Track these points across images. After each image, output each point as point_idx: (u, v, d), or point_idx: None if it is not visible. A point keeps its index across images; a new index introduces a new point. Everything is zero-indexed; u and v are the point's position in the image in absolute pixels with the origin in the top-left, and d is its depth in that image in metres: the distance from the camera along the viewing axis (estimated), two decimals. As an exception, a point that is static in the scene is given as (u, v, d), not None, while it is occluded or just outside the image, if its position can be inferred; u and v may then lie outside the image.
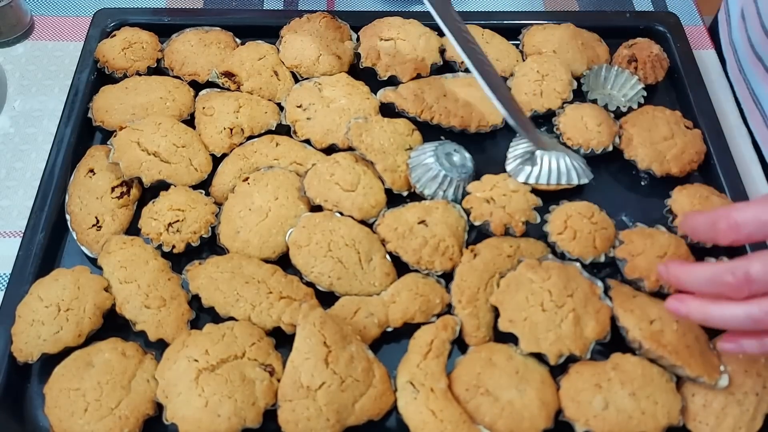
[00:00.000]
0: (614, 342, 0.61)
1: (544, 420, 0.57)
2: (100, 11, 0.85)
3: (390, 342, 0.63)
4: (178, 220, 0.66)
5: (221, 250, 0.67)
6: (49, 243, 0.67)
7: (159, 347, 0.60)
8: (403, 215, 0.67)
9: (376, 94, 0.77)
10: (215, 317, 0.62)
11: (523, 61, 0.81)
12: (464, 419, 0.56)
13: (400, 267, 0.66)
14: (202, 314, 0.63)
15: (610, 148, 0.74)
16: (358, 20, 0.83)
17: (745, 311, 0.46)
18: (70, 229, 0.68)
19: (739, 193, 0.72)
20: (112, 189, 0.69)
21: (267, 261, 0.65)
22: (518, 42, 0.83)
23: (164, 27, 0.83)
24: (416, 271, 0.65)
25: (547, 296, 0.60)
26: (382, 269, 0.65)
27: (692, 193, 0.69)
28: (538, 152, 0.70)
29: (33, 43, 0.87)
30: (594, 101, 0.78)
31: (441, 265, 0.65)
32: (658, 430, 0.56)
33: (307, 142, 0.74)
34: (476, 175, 0.70)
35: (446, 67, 0.81)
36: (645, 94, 0.78)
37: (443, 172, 0.69)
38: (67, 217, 0.68)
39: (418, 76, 0.78)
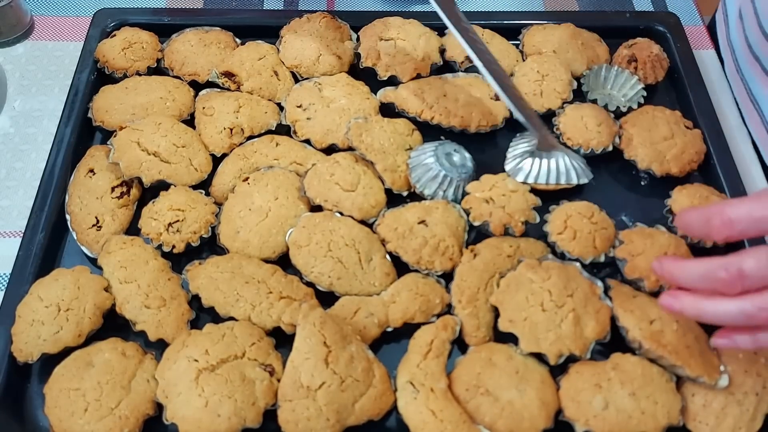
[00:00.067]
0: (614, 342, 0.61)
1: (544, 420, 0.57)
2: (100, 11, 0.85)
3: (390, 342, 0.63)
4: (178, 220, 0.66)
5: (221, 250, 0.67)
6: (49, 243, 0.67)
7: (159, 347, 0.60)
8: (403, 215, 0.67)
9: (376, 94, 0.77)
10: (215, 317, 0.62)
11: (523, 61, 0.81)
12: (464, 419, 0.56)
13: (400, 267, 0.66)
14: (202, 314, 0.63)
15: (610, 148, 0.74)
16: (358, 20, 0.83)
17: (739, 307, 0.46)
18: (70, 229, 0.68)
19: (739, 194, 0.72)
20: (112, 189, 0.69)
21: (267, 261, 0.65)
22: (518, 42, 0.83)
23: (164, 27, 0.83)
24: (416, 271, 0.65)
25: (547, 296, 0.60)
26: (382, 269, 0.65)
27: (692, 193, 0.69)
28: (537, 152, 0.70)
29: (33, 43, 0.87)
30: (594, 101, 0.78)
31: (441, 265, 0.65)
32: (658, 430, 0.56)
33: (307, 142, 0.74)
34: (476, 175, 0.70)
35: (446, 67, 0.81)
36: (645, 94, 0.78)
37: (443, 172, 0.69)
38: (67, 217, 0.68)
39: (418, 76, 0.79)
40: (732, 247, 0.66)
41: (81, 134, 0.75)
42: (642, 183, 0.75)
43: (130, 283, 0.62)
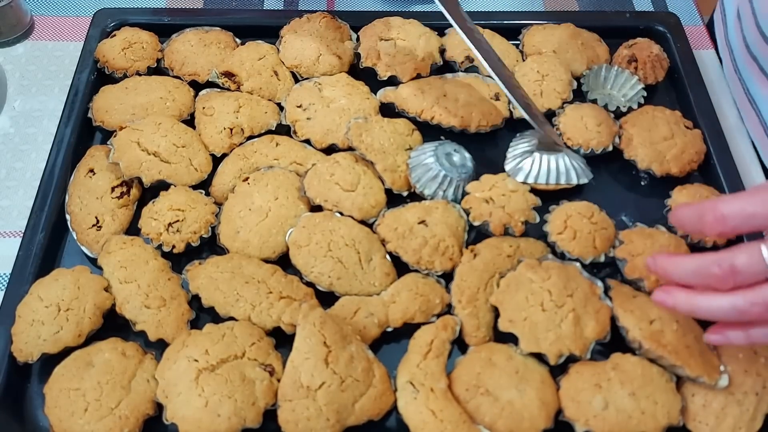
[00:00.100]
0: (614, 342, 0.61)
1: (544, 420, 0.57)
2: (100, 11, 0.85)
3: (390, 342, 0.63)
4: (178, 220, 0.66)
5: (221, 250, 0.67)
6: (49, 243, 0.67)
7: (159, 347, 0.60)
8: (403, 215, 0.67)
9: (376, 94, 0.77)
10: (215, 317, 0.62)
11: (523, 61, 0.81)
12: (464, 419, 0.56)
13: (400, 267, 0.66)
14: (202, 314, 0.63)
15: (610, 148, 0.74)
16: (358, 20, 0.83)
17: (731, 302, 0.47)
18: (70, 229, 0.68)
19: (739, 194, 0.72)
20: (112, 189, 0.69)
21: (267, 261, 0.65)
22: (518, 42, 0.83)
23: (164, 27, 0.83)
24: (416, 271, 0.65)
25: (547, 296, 0.60)
26: (382, 269, 0.65)
27: (692, 193, 0.69)
28: (537, 152, 0.70)
29: (33, 43, 0.87)
30: (594, 101, 0.78)
31: (441, 265, 0.65)
32: (658, 430, 0.56)
33: (307, 142, 0.74)
34: (476, 175, 0.70)
35: (446, 67, 0.81)
36: (645, 94, 0.78)
37: (443, 172, 0.69)
38: (67, 217, 0.68)
39: (418, 76, 0.79)
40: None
41: (81, 134, 0.75)
42: (642, 183, 0.75)
43: (130, 283, 0.62)
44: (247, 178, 0.69)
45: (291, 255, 0.65)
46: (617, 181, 0.75)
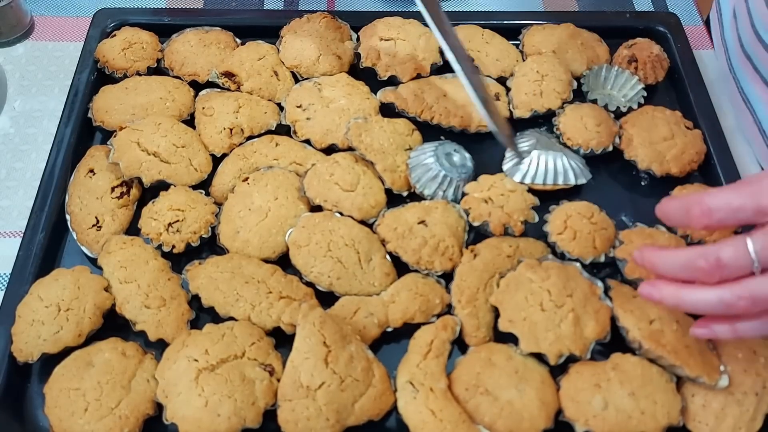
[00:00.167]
0: (614, 342, 0.61)
1: (544, 420, 0.57)
2: (100, 11, 0.85)
3: (390, 342, 0.63)
4: (178, 220, 0.66)
5: (221, 250, 0.67)
6: (49, 243, 0.67)
7: (159, 347, 0.60)
8: (403, 215, 0.67)
9: (376, 94, 0.77)
10: (215, 317, 0.62)
11: (523, 61, 0.81)
12: (464, 419, 0.56)
13: (400, 267, 0.66)
14: (202, 314, 0.63)
15: (610, 149, 0.74)
16: (358, 20, 0.83)
17: (717, 295, 0.47)
18: (70, 229, 0.68)
19: (738, 194, 0.71)
20: (112, 189, 0.69)
21: (267, 261, 0.65)
22: (518, 42, 0.83)
23: (164, 27, 0.83)
24: (416, 271, 0.65)
25: (547, 296, 0.60)
26: (382, 269, 0.65)
27: (695, 192, 0.69)
28: (534, 152, 0.70)
29: (33, 43, 0.87)
30: (594, 101, 0.78)
31: (441, 265, 0.65)
32: (657, 430, 0.56)
33: (307, 142, 0.74)
34: (476, 176, 0.70)
35: (446, 67, 0.80)
36: (645, 94, 0.78)
37: (443, 172, 0.69)
38: (67, 217, 0.68)
39: (418, 76, 0.79)
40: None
41: (81, 134, 0.75)
42: (642, 183, 0.75)
43: (130, 283, 0.62)
44: (246, 178, 0.69)
45: (291, 255, 0.65)
46: (617, 182, 0.75)
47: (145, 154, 0.69)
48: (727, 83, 0.84)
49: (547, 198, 0.70)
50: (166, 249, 0.65)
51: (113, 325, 0.62)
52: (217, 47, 0.80)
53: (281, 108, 0.77)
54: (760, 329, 0.48)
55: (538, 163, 0.70)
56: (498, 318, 0.61)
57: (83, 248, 0.67)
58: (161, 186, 0.69)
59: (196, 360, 0.57)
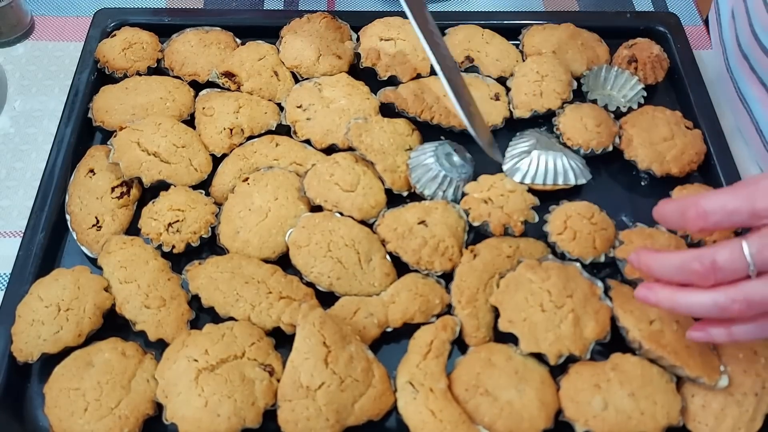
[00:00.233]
0: (614, 342, 0.61)
1: (544, 420, 0.57)
2: (100, 11, 0.85)
3: (390, 342, 0.63)
4: (178, 220, 0.66)
5: (221, 250, 0.67)
6: (49, 243, 0.67)
7: (159, 347, 0.60)
8: (403, 215, 0.67)
9: (376, 94, 0.77)
10: (215, 317, 0.62)
11: (523, 61, 0.81)
12: (464, 419, 0.56)
13: (400, 267, 0.66)
14: (202, 314, 0.63)
15: (610, 149, 0.74)
16: (358, 20, 0.83)
17: (712, 298, 0.47)
18: (70, 229, 0.68)
19: (739, 194, 0.71)
20: (112, 189, 0.69)
21: (267, 261, 0.65)
22: (518, 42, 0.83)
23: (164, 27, 0.83)
24: (416, 271, 0.65)
25: (547, 296, 0.60)
26: (382, 269, 0.65)
27: (692, 194, 0.69)
28: (534, 152, 0.70)
29: (33, 43, 0.87)
30: (594, 101, 0.78)
31: (441, 266, 0.65)
32: (657, 431, 0.56)
33: (307, 142, 0.74)
34: (476, 176, 0.70)
35: (446, 67, 0.81)
36: (645, 94, 0.78)
37: (443, 173, 0.69)
38: (67, 217, 0.68)
39: (418, 76, 0.79)
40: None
41: (81, 134, 0.75)
42: (642, 183, 0.75)
43: (130, 283, 0.62)
44: (246, 179, 0.69)
45: (291, 255, 0.65)
46: (617, 182, 0.75)
47: (145, 154, 0.69)
48: (727, 83, 0.84)
49: (547, 198, 0.70)
50: (166, 249, 0.65)
51: (113, 325, 0.62)
52: (217, 47, 0.80)
53: (281, 108, 0.77)
54: (756, 332, 0.48)
55: (538, 163, 0.70)
56: (498, 318, 0.61)
57: (83, 248, 0.67)
58: (161, 186, 0.69)
59: (196, 360, 0.57)
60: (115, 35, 0.81)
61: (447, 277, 0.65)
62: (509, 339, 0.60)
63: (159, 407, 0.57)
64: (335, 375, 0.56)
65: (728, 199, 0.46)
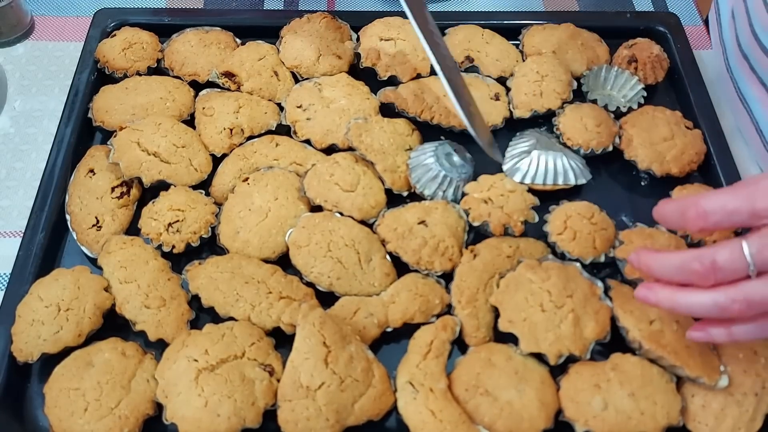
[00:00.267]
0: (614, 342, 0.61)
1: (544, 420, 0.57)
2: (100, 11, 0.85)
3: (390, 342, 0.63)
4: (178, 220, 0.66)
5: (221, 250, 0.67)
6: (49, 243, 0.67)
7: (159, 347, 0.60)
8: (403, 215, 0.67)
9: (376, 94, 0.77)
10: (215, 317, 0.62)
11: (523, 61, 0.81)
12: (464, 419, 0.56)
13: (400, 267, 0.66)
14: (202, 314, 0.63)
15: (610, 149, 0.74)
16: (358, 20, 0.83)
17: (712, 298, 0.47)
18: (70, 229, 0.68)
19: (739, 194, 0.71)
20: (112, 189, 0.69)
21: (267, 261, 0.65)
22: (518, 42, 0.83)
23: (164, 27, 0.83)
24: (416, 271, 0.65)
25: (547, 297, 0.60)
26: (382, 269, 0.65)
27: (692, 194, 0.69)
28: (534, 152, 0.70)
29: (33, 43, 0.87)
30: (594, 101, 0.78)
31: (441, 266, 0.65)
32: (657, 431, 0.56)
33: (307, 142, 0.74)
34: (476, 176, 0.70)
35: (446, 67, 0.81)
36: (645, 94, 0.78)
37: (443, 173, 0.69)
38: (67, 217, 0.68)
39: (418, 76, 0.79)
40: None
41: (81, 134, 0.75)
42: (642, 183, 0.75)
43: (130, 283, 0.62)
44: (246, 179, 0.69)
45: (291, 255, 0.65)
46: (617, 182, 0.75)
47: (145, 154, 0.69)
48: (727, 83, 0.84)
49: (547, 198, 0.70)
50: (166, 249, 0.65)
51: (113, 325, 0.62)
52: (217, 47, 0.80)
53: (281, 108, 0.77)
54: (756, 332, 0.48)
55: (538, 163, 0.70)
56: (498, 318, 0.61)
57: (83, 248, 0.67)
58: (161, 186, 0.69)
59: (195, 360, 0.57)
60: (115, 35, 0.81)
61: (447, 277, 0.65)
62: (509, 339, 0.60)
63: (159, 407, 0.57)
64: (335, 375, 0.56)
65: (728, 199, 0.46)
